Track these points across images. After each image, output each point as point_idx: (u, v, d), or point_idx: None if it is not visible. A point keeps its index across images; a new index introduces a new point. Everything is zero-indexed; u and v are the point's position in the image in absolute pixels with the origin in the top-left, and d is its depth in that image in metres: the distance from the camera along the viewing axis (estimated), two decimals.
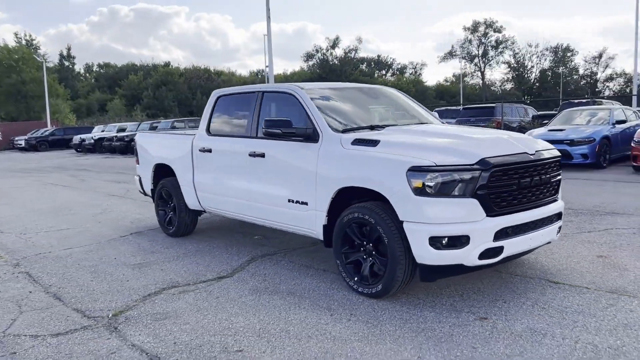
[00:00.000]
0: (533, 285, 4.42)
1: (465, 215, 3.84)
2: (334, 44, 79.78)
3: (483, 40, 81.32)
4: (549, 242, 4.52)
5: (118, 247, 6.42)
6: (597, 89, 78.70)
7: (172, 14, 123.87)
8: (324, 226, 4.62)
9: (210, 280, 4.94)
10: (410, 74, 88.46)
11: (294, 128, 4.75)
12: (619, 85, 79.22)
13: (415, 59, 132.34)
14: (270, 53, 22.00)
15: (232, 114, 5.93)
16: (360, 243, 4.33)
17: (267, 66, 54.24)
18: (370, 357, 3.28)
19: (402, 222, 3.94)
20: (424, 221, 3.83)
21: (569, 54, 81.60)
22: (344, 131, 4.67)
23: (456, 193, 3.83)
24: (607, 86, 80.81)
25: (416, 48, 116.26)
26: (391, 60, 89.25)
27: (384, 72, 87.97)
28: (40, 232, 7.48)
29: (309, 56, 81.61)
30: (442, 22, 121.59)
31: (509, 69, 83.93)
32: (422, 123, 5.37)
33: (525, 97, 74.95)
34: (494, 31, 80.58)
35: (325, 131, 4.65)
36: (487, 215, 3.87)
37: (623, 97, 46.74)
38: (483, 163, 3.85)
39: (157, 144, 7.09)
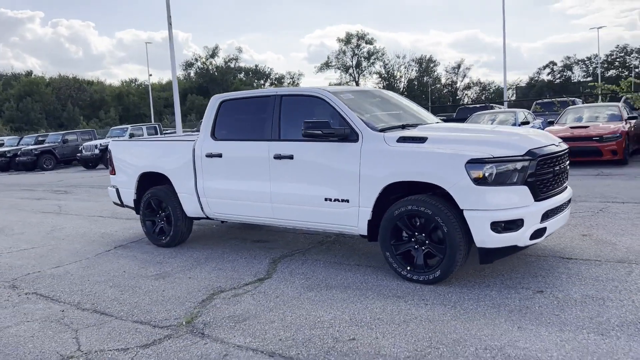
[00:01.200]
0: (554, 262, 5.01)
1: (519, 201, 4.31)
2: (214, 53, 78.93)
3: (356, 52, 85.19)
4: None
5: (114, 261, 6.07)
6: (457, 97, 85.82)
7: (25, 19, 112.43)
8: (369, 221, 4.85)
9: (253, 283, 4.94)
10: (289, 83, 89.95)
11: (333, 129, 4.91)
12: (475, 93, 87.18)
13: (290, 69, 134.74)
14: (173, 60, 21.34)
15: (242, 118, 5.90)
16: (411, 234, 4.63)
17: (150, 75, 52.62)
18: (476, 332, 3.59)
19: (462, 210, 4.31)
20: (485, 208, 4.24)
21: (431, 65, 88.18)
22: (382, 130, 4.94)
23: (510, 181, 4.29)
24: (466, 94, 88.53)
25: (289, 58, 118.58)
26: (269, 70, 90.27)
27: (262, 81, 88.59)
28: (3, 254, 6.80)
29: (188, 65, 79.92)
30: (312, 34, 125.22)
31: (380, 79, 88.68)
32: (434, 122, 5.80)
33: None
34: (366, 43, 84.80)
35: (364, 131, 4.88)
36: (535, 200, 4.37)
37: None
38: (531, 154, 4.35)
39: (143, 152, 6.79)
